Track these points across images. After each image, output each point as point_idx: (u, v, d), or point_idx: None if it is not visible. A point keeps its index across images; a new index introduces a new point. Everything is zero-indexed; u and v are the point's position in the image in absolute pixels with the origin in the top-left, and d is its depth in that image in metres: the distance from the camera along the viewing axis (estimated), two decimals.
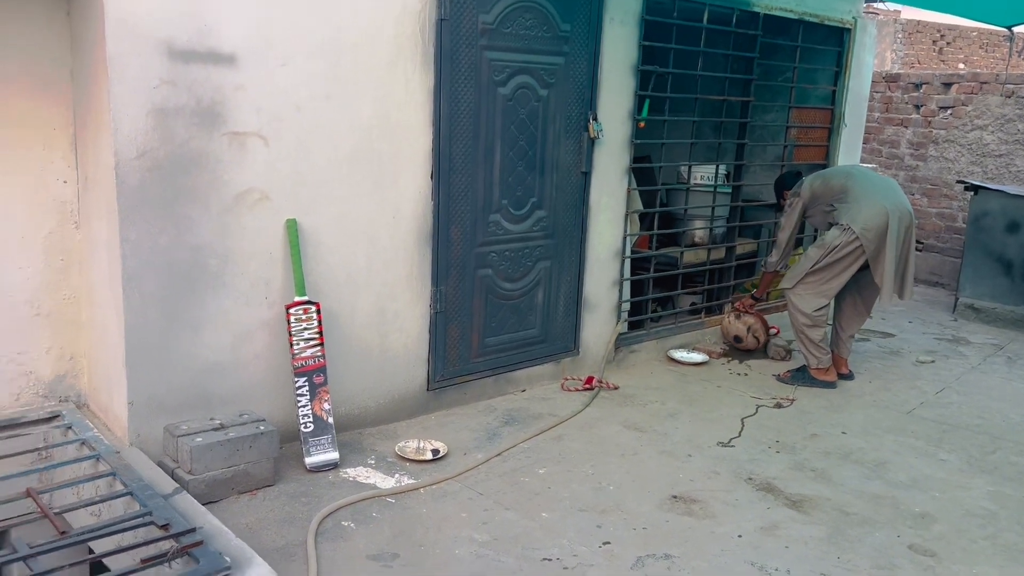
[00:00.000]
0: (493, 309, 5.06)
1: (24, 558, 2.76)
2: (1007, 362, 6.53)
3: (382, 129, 4.32)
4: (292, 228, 4.07)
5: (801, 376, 5.74)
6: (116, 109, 3.45)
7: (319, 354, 4.15)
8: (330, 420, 4.13)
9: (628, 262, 5.90)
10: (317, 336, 4.14)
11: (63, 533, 3.01)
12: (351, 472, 4.06)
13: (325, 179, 4.16)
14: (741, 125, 6.51)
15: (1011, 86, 8.71)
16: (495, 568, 3.28)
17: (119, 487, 3.39)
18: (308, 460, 4.05)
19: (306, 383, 4.12)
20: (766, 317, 6.44)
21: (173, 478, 3.54)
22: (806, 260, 5.65)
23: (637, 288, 6.18)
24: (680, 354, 6.14)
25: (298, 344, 4.10)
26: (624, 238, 5.76)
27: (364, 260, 4.40)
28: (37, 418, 3.94)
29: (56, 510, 3.22)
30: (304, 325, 4.12)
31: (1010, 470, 4.48)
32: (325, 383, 4.16)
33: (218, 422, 3.83)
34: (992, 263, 7.71)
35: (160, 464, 3.67)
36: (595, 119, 5.26)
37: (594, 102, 5.25)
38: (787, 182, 6.10)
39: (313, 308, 4.13)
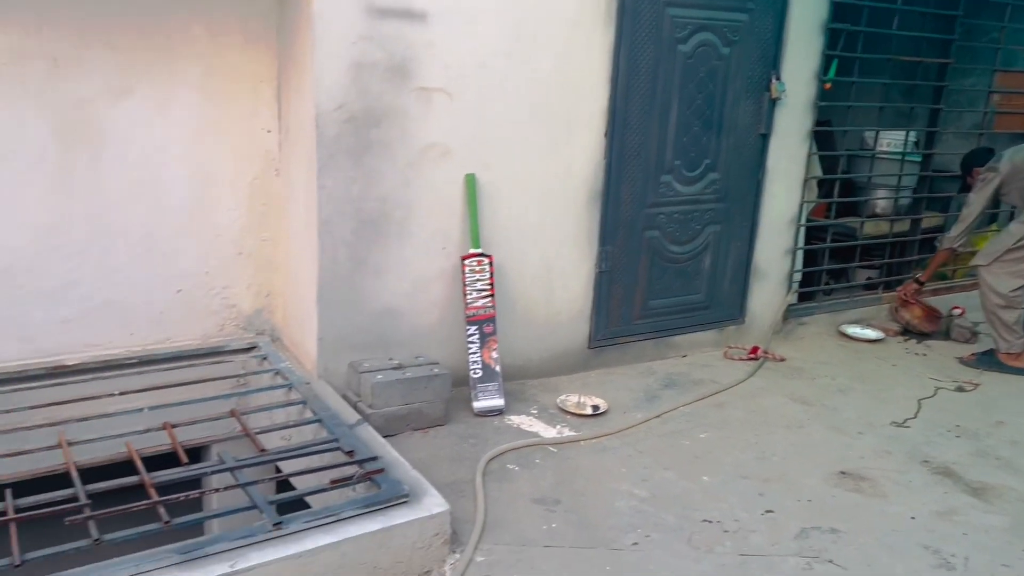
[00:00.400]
0: (658, 272, 5.04)
1: (231, 469, 3.08)
2: None
3: (560, 86, 4.36)
4: (471, 182, 4.21)
5: (988, 360, 5.36)
6: (319, 63, 3.69)
7: (490, 305, 4.30)
8: (497, 368, 4.29)
9: (803, 230, 5.69)
10: (489, 288, 4.29)
11: (262, 451, 3.32)
12: (515, 419, 4.20)
13: (503, 135, 4.26)
14: (936, 89, 6.07)
15: None
16: (654, 523, 3.32)
17: (309, 415, 3.69)
18: (476, 404, 4.23)
19: (477, 331, 4.28)
20: (951, 295, 6.02)
21: (356, 410, 3.81)
22: (1006, 237, 5.23)
23: (810, 258, 5.96)
24: (853, 330, 5.87)
25: (471, 294, 4.27)
26: (800, 205, 5.55)
27: (535, 216, 4.49)
28: (237, 348, 4.34)
29: (254, 431, 3.55)
30: (477, 276, 4.27)
31: None
32: (494, 333, 4.31)
33: (396, 362, 4.07)
34: None
35: (344, 397, 3.96)
36: (778, 79, 5.07)
37: (778, 61, 5.06)
38: (978, 159, 5.60)
39: (487, 260, 4.28)
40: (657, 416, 4.36)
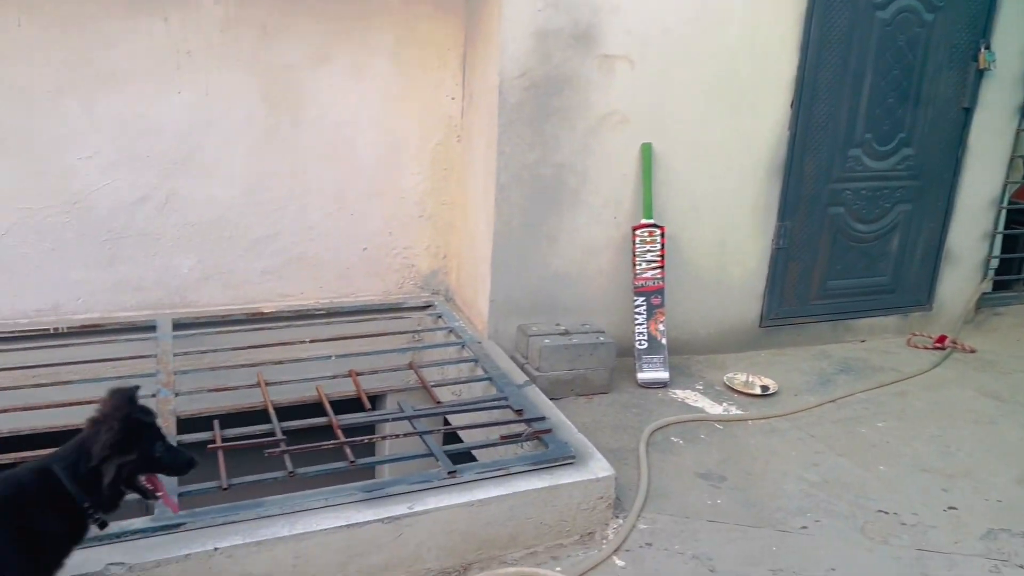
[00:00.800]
0: (840, 251, 4.80)
1: (410, 417, 3.26)
2: None
3: (746, 54, 4.22)
4: (647, 151, 4.17)
5: None
6: (505, 30, 3.76)
7: (659, 276, 4.27)
8: (663, 341, 4.26)
9: (1004, 213, 5.24)
10: (659, 259, 4.26)
11: (438, 403, 3.49)
12: (679, 393, 4.17)
13: (683, 104, 4.19)
14: None
15: None
16: (825, 509, 3.22)
17: (480, 372, 3.83)
18: (640, 375, 4.23)
19: (644, 302, 4.27)
20: None
21: (523, 372, 3.91)
22: None
23: (1010, 244, 5.47)
24: None
25: (640, 265, 4.25)
26: (1003, 186, 5.11)
27: (711, 188, 4.40)
28: (414, 305, 4.56)
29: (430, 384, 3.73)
30: (648, 247, 4.25)
31: None
32: (662, 305, 4.28)
33: (563, 328, 4.13)
34: None
35: (512, 358, 4.07)
36: (987, 48, 4.66)
37: (988, 28, 4.65)
38: None
39: (658, 231, 4.24)
40: (831, 401, 4.19)
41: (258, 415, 3.24)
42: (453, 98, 4.36)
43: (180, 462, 2.13)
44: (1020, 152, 5.15)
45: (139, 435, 2.04)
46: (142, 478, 2.10)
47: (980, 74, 4.72)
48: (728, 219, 4.49)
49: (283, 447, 2.92)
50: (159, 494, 2.16)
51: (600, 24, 3.90)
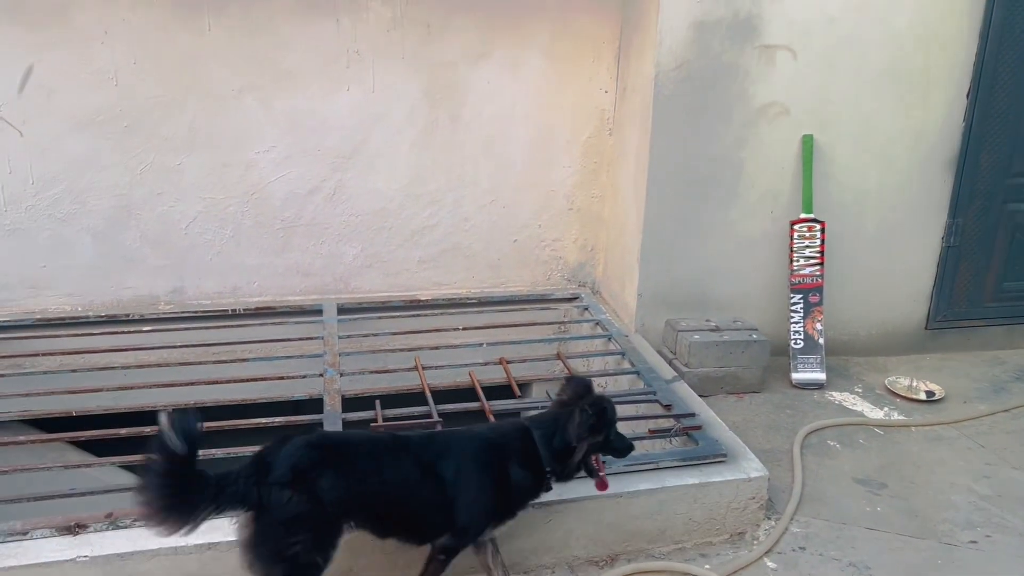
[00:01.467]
0: (1018, 250, 4.46)
1: None
2: None
3: (916, 42, 4.00)
4: (807, 144, 4.03)
5: None
6: (663, 22, 3.74)
7: (817, 273, 4.12)
8: (821, 341, 4.12)
9: None
10: (818, 255, 4.11)
11: None
12: (836, 396, 4.01)
13: (847, 94, 4.02)
14: None
15: None
16: (997, 523, 3.02)
17: (627, 365, 3.84)
18: (794, 376, 4.10)
19: (801, 300, 4.13)
20: None
21: (671, 368, 3.88)
22: None
23: None
24: None
25: (798, 261, 4.12)
26: None
27: (875, 182, 4.20)
28: (561, 296, 4.61)
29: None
30: (806, 243, 4.11)
31: None
32: (820, 303, 4.13)
33: (713, 324, 4.07)
34: None
35: (659, 353, 4.05)
36: None
37: None
38: None
39: (818, 227, 4.09)
40: (1005, 410, 3.92)
41: (416, 397, 3.39)
42: (606, 91, 4.37)
43: (625, 446, 2.48)
44: None
45: (606, 421, 2.38)
46: (593, 457, 2.45)
47: None
48: (894, 215, 4.27)
49: (440, 428, 3.04)
50: (601, 473, 2.50)
51: (761, 14, 3.80)
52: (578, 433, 2.34)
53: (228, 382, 3.53)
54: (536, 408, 3.71)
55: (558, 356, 3.91)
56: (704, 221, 4.10)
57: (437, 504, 2.28)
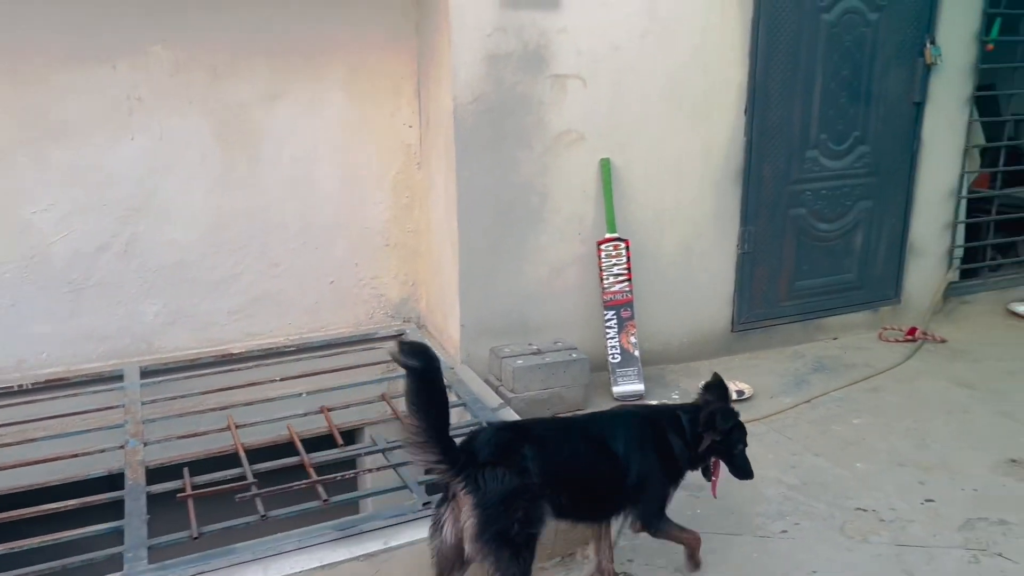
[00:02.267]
0: (805, 251, 4.84)
1: (383, 450, 3.24)
2: None
3: (696, 64, 4.27)
4: (605, 167, 4.20)
5: None
6: (456, 56, 3.78)
7: (627, 289, 4.28)
8: (636, 353, 4.27)
9: (964, 203, 5.31)
10: (626, 272, 4.27)
11: None
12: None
13: (637, 117, 4.22)
14: None
15: None
16: (804, 511, 3.22)
17: (454, 399, 3.81)
18: (615, 389, 4.23)
19: (614, 316, 4.28)
20: None
21: (497, 395, 3.90)
22: None
23: (973, 232, 5.55)
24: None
25: (608, 279, 4.26)
26: (960, 176, 5.19)
27: (672, 198, 4.43)
28: (386, 335, 4.53)
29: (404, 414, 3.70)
30: (614, 261, 4.26)
31: None
32: (632, 317, 4.29)
33: (535, 347, 4.13)
34: None
35: (486, 381, 4.06)
36: (932, 43, 4.74)
37: (932, 24, 4.73)
38: None
39: (623, 245, 4.26)
40: (807, 401, 4.21)
41: (229, 459, 3.20)
42: (410, 126, 4.36)
43: (744, 466, 2.79)
44: (974, 142, 5.24)
45: (725, 425, 2.67)
46: (713, 461, 2.75)
47: (928, 69, 4.80)
48: (692, 228, 4.52)
49: (254, 490, 2.88)
50: (714, 478, 2.77)
51: (549, 45, 3.93)
52: (704, 425, 2.66)
53: (14, 467, 3.19)
54: (361, 455, 3.63)
55: (382, 397, 3.82)
56: (517, 248, 4.16)
57: (613, 475, 2.53)
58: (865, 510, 3.23)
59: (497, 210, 4.06)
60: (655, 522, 2.66)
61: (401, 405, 3.75)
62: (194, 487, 2.93)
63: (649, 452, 2.60)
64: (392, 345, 2.13)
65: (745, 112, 4.44)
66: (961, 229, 5.36)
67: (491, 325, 4.20)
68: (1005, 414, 4.05)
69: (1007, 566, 2.86)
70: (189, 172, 4.00)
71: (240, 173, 4.09)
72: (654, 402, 2.83)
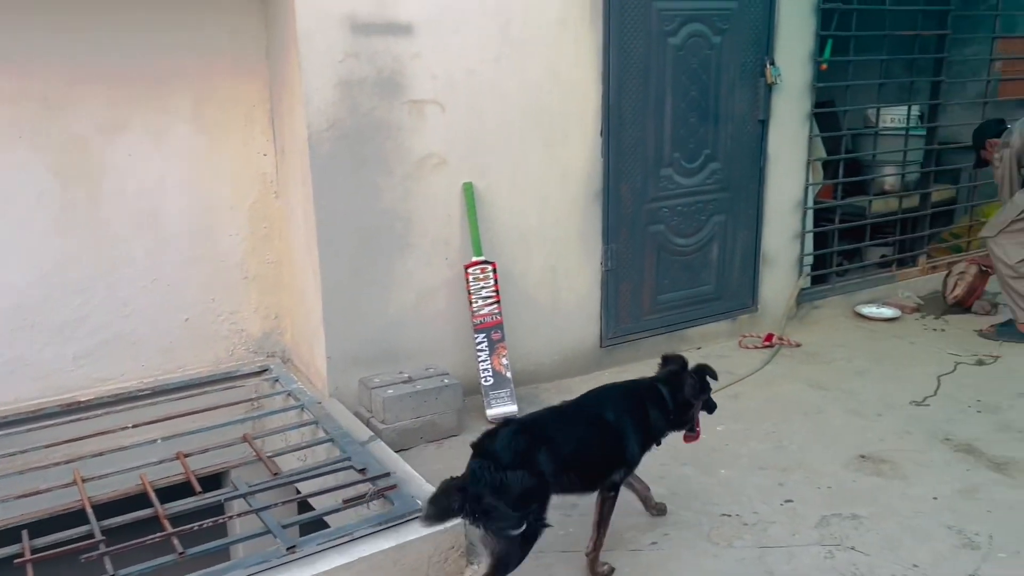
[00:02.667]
0: (665, 266, 5.00)
1: (245, 495, 3.09)
2: None
3: (552, 88, 4.35)
4: (468, 190, 4.21)
5: (1008, 331, 5.28)
6: (307, 83, 3.70)
7: (496, 311, 4.29)
8: (508, 374, 4.28)
9: (810, 213, 5.63)
10: (494, 294, 4.28)
11: (275, 475, 3.33)
12: None
13: (498, 140, 4.26)
14: (937, 61, 5.99)
15: None
16: (673, 521, 3.30)
17: (321, 434, 3.70)
18: (489, 412, 4.22)
19: (485, 339, 4.28)
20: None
21: (368, 427, 3.81)
22: (1011, 208, 5.16)
23: (820, 240, 5.89)
24: (869, 309, 5.80)
25: (476, 302, 4.26)
26: (806, 188, 5.50)
27: (536, 219, 4.48)
28: (249, 372, 4.36)
29: (268, 454, 3.56)
30: (482, 284, 4.27)
31: None
32: (503, 339, 4.30)
33: (406, 375, 4.07)
34: None
35: (356, 413, 3.96)
36: (772, 64, 5.02)
37: (771, 46, 5.01)
38: (989, 130, 5.46)
39: (490, 267, 4.27)
40: None
41: (76, 516, 2.98)
42: (265, 154, 4.24)
43: (714, 404, 3.28)
44: (816, 155, 5.57)
45: (706, 386, 3.17)
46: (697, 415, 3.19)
47: (769, 88, 5.07)
48: (557, 248, 4.59)
49: (102, 548, 2.69)
50: (697, 429, 3.21)
51: (403, 71, 3.91)
52: (693, 394, 3.10)
53: None
54: (220, 502, 3.45)
55: (245, 439, 3.66)
56: (383, 275, 4.10)
57: (612, 444, 2.92)
58: (729, 515, 3.34)
59: (360, 237, 3.99)
60: (618, 486, 3.00)
61: (264, 445, 3.63)
62: (34, 550, 2.70)
63: (634, 420, 2.98)
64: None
65: (601, 133, 4.56)
66: (809, 238, 5.68)
67: (359, 355, 4.11)
68: (854, 412, 4.29)
69: (859, 559, 3.01)
70: (24, 211, 3.74)
71: (82, 209, 3.85)
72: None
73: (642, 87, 4.62)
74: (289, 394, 4.08)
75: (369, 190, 3.97)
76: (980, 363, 4.92)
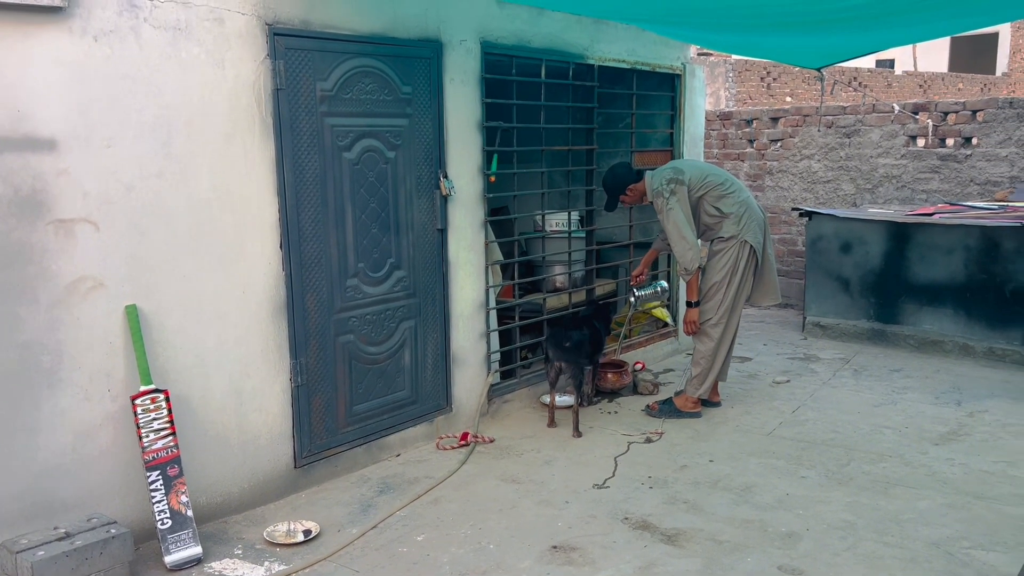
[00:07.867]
0: (359, 375, 4.96)
1: None
2: (854, 374, 6.96)
3: (223, 203, 4.19)
4: (132, 314, 3.86)
5: (668, 408, 5.91)
6: None
7: (171, 444, 3.93)
8: (189, 513, 3.90)
9: (494, 313, 5.95)
10: (168, 425, 3.92)
11: None
12: (216, 566, 3.83)
13: (165, 259, 3.99)
14: (588, 172, 6.74)
15: (829, 117, 9.45)
16: None
17: None
18: (168, 559, 3.80)
19: (160, 476, 3.88)
20: (631, 353, 6.61)
21: None
22: (714, 289, 5.73)
23: (506, 338, 6.22)
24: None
25: (147, 436, 3.87)
26: (487, 290, 5.81)
27: (214, 339, 4.23)
28: None
29: None
30: (153, 415, 3.89)
31: (863, 479, 4.75)
32: (181, 474, 3.93)
33: (63, 531, 3.55)
34: (832, 282, 8.23)
35: None
36: (445, 177, 5.31)
37: (443, 160, 5.31)
38: (628, 177, 5.88)
39: (161, 396, 3.92)
40: (373, 527, 4.22)
41: None
42: None
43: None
44: (493, 259, 5.92)
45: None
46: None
47: (445, 199, 5.34)
48: (239, 367, 4.35)
49: None
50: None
51: (47, 188, 3.54)
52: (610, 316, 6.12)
53: None
54: None
55: None
56: (30, 416, 3.58)
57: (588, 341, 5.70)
58: None
59: None
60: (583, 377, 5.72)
61: None
62: None
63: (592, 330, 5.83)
64: None
65: (281, 247, 4.46)
66: (495, 336, 5.97)
67: (3, 514, 3.53)
68: (545, 502, 4.50)
69: None
70: None
71: None
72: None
73: (321, 200, 4.62)
74: None
75: (9, 322, 3.49)
76: (649, 440, 5.43)
